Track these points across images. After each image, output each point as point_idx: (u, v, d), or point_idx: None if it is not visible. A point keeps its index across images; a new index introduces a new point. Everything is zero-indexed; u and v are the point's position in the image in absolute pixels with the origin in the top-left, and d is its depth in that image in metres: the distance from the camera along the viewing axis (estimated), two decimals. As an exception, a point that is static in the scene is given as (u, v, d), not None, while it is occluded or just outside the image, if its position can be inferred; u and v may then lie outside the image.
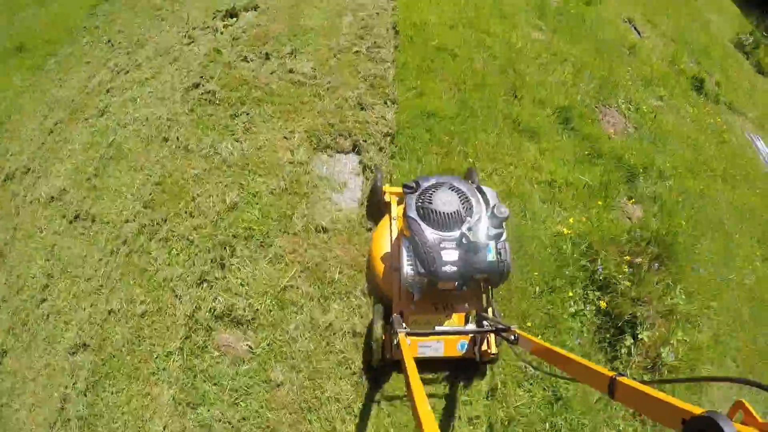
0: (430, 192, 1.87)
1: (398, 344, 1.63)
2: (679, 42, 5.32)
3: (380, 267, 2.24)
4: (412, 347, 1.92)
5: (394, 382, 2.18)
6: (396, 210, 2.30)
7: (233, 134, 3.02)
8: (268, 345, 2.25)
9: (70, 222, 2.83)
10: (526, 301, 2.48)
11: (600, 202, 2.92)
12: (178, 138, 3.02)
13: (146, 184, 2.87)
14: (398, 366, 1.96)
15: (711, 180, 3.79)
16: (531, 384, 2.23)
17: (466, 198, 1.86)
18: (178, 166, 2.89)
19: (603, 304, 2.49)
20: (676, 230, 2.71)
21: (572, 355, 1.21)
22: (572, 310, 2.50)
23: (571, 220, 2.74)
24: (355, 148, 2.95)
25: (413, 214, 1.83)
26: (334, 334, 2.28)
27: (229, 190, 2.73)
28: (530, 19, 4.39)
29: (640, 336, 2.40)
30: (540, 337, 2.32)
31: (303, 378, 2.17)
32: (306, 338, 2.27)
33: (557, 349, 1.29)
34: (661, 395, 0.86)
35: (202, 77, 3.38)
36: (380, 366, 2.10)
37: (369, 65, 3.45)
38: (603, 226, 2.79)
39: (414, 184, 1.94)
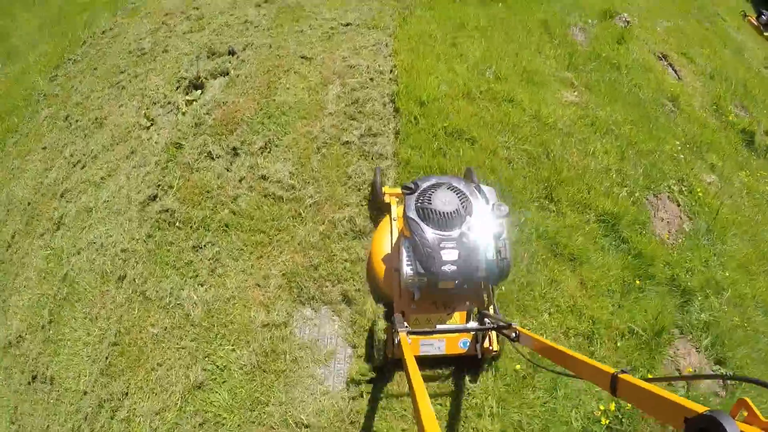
0: (430, 192, 1.74)
1: (399, 343, 1.51)
2: (718, 79, 4.17)
3: (381, 267, 2.08)
4: (414, 346, 1.80)
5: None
6: (396, 211, 2.12)
7: (197, 276, 2.28)
8: None
9: (29, 382, 2.29)
10: None
11: (650, 375, 2.13)
12: (135, 279, 2.32)
13: (102, 342, 2.23)
14: (400, 365, 1.82)
15: (766, 276, 2.92)
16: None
17: (466, 197, 1.74)
18: (136, 321, 2.22)
19: None
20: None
21: (574, 353, 1.12)
22: None
23: (612, 407, 1.98)
24: (346, 299, 2.17)
25: (413, 214, 1.71)
26: None
27: (194, 362, 2.07)
28: (559, 71, 3.26)
29: None
30: None
31: None
32: None
33: (558, 346, 1.20)
34: (663, 393, 0.77)
35: (159, 186, 2.58)
36: (382, 366, 1.93)
37: (363, 165, 2.54)
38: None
39: (413, 185, 1.80)
